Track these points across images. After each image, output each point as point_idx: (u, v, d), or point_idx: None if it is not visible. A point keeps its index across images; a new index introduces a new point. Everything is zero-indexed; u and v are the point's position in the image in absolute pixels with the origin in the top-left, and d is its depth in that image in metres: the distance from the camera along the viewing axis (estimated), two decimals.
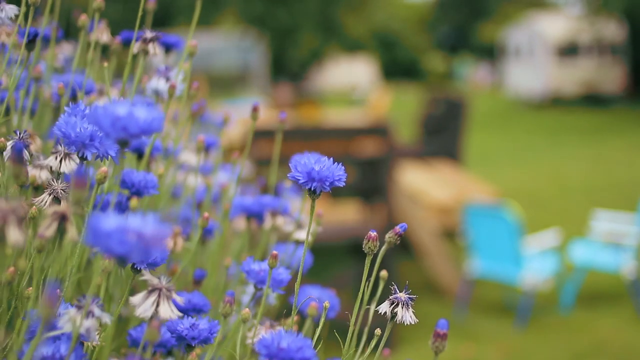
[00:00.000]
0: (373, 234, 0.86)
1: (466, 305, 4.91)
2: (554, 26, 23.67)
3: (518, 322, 4.63)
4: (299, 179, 0.84)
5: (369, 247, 0.85)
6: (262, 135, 3.86)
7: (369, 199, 4.66)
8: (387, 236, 0.88)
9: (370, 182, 4.11)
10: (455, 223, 5.27)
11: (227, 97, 31.27)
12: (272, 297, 1.00)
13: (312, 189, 0.84)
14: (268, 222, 1.10)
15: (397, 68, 50.70)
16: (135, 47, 0.98)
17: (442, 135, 6.97)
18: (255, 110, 1.06)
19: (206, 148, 1.27)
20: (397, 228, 0.89)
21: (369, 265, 0.87)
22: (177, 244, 1.03)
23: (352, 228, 4.49)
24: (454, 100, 6.71)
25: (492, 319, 4.79)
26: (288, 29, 17.20)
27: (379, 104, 9.33)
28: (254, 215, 1.15)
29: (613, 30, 22.48)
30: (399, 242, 0.88)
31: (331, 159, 0.87)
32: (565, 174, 9.84)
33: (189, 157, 1.25)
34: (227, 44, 29.42)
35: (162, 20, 39.81)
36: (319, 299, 1.06)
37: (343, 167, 0.86)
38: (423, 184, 5.55)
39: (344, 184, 0.87)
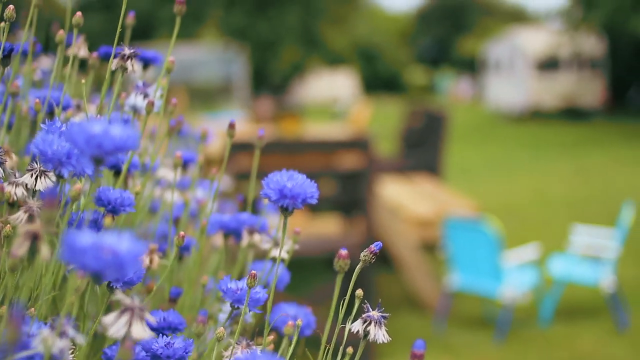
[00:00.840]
0: (344, 252, 0.86)
1: (446, 318, 4.92)
2: (535, 40, 23.89)
3: (497, 335, 4.64)
4: (271, 196, 0.84)
5: (340, 266, 0.85)
6: (241, 148, 3.86)
7: (349, 213, 4.67)
8: (362, 255, 0.88)
9: (350, 196, 4.12)
10: (435, 237, 5.28)
11: (209, 110, 31.21)
12: (248, 316, 1.00)
13: (285, 206, 0.84)
14: (245, 240, 1.10)
15: (379, 81, 50.93)
16: (113, 63, 0.97)
17: (422, 149, 6.99)
18: (231, 127, 1.06)
19: (184, 164, 1.26)
20: (373, 247, 0.89)
21: (339, 283, 0.87)
22: (153, 261, 1.03)
23: (332, 242, 4.49)
24: (434, 114, 6.75)
25: (472, 332, 4.80)
26: (269, 42, 17.23)
27: (359, 118, 9.35)
28: (232, 233, 1.14)
29: (593, 44, 22.73)
30: (374, 260, 0.88)
31: (304, 175, 0.87)
32: (545, 187, 9.91)
33: (166, 173, 1.25)
34: (209, 57, 29.40)
35: (144, 33, 39.77)
36: (294, 317, 1.06)
37: (316, 184, 0.86)
38: (403, 198, 5.57)
39: (317, 201, 0.87)
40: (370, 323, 0.85)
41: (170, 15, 37.31)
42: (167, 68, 1.07)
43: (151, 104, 1.01)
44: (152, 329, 0.97)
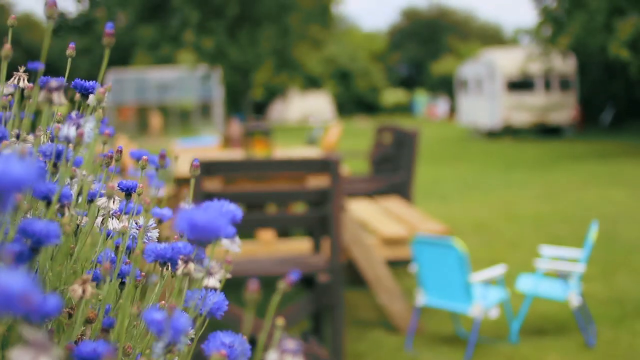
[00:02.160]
0: (253, 284, 0.86)
1: (417, 336, 4.93)
2: (507, 60, 24.23)
3: (468, 352, 4.66)
4: (182, 232, 0.84)
5: (249, 299, 0.86)
6: (206, 172, 3.86)
7: (317, 233, 4.68)
8: (279, 284, 0.89)
9: (316, 216, 4.13)
10: (404, 255, 5.30)
11: (185, 134, 31.16)
12: (181, 346, 1.00)
13: (196, 240, 0.85)
14: (180, 269, 1.10)
15: (355, 102, 51.19)
16: (40, 96, 0.98)
17: (392, 167, 7.03)
18: (161, 157, 1.07)
19: (127, 192, 1.26)
20: (290, 276, 0.90)
21: (251, 317, 0.87)
22: (86, 291, 1.03)
23: (303, 262, 4.49)
24: (403, 132, 6.80)
25: (442, 349, 4.81)
26: (243, 66, 17.29)
27: (330, 138, 9.39)
28: (168, 261, 1.14)
29: (564, 63, 23.07)
30: (290, 288, 0.89)
31: (221, 206, 0.88)
32: (516, 205, 9.99)
33: (105, 202, 1.25)
34: (185, 80, 29.45)
35: (125, 56, 39.66)
36: (230, 346, 1.06)
37: (227, 218, 0.87)
38: (371, 217, 5.59)
39: (233, 232, 0.88)
40: (286, 354, 0.84)
41: (149, 39, 37.22)
42: (98, 99, 1.08)
43: (81, 135, 1.02)
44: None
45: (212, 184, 4.51)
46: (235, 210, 0.94)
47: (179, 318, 0.89)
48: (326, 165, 4.03)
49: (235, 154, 5.85)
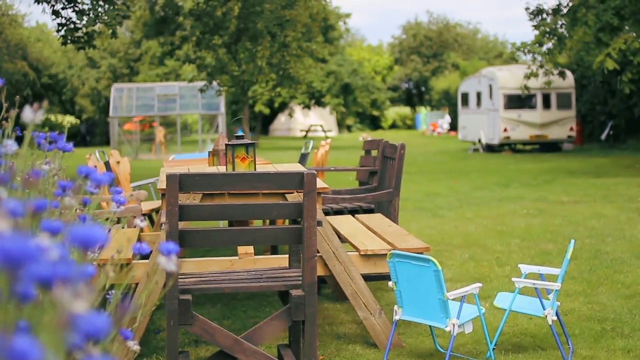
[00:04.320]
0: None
1: (395, 350, 4.95)
2: (507, 76, 24.35)
3: None
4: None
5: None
6: (180, 186, 3.90)
7: (293, 247, 4.71)
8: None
9: (291, 230, 4.16)
10: (383, 271, 5.32)
11: (189, 146, 31.14)
12: None
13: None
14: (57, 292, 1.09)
15: (359, 117, 51.30)
16: None
17: (379, 181, 7.07)
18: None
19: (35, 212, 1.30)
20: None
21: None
22: None
23: (277, 277, 4.52)
24: (389, 145, 6.84)
25: None
26: (243, 81, 17.38)
27: (321, 153, 9.44)
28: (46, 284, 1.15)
29: (563, 79, 23.16)
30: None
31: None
32: (507, 220, 10.01)
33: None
34: (191, 94, 29.59)
35: (131, 70, 39.79)
36: None
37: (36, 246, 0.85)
38: (352, 233, 5.62)
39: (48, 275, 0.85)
40: None
41: (153, 52, 37.39)
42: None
43: None
44: None
45: (186, 198, 4.55)
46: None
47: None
48: (300, 180, 4.07)
49: (213, 169, 5.90)
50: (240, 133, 5.54)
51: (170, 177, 3.90)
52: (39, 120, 1.61)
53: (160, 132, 30.71)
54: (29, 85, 34.96)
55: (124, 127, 31.85)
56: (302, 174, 4.04)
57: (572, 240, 4.99)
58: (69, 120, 45.84)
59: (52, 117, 46.62)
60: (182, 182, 3.96)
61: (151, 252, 5.19)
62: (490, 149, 25.34)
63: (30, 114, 1.53)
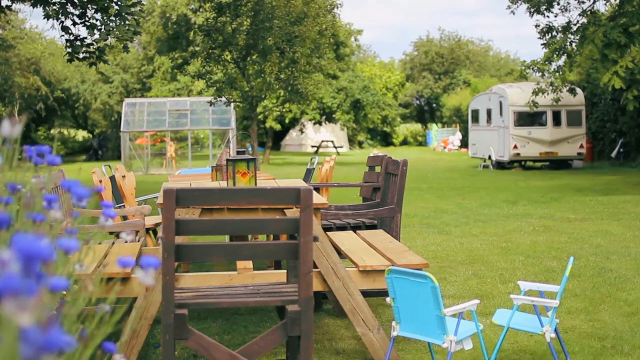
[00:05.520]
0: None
1: None
2: (517, 93, 24.36)
3: None
4: None
5: None
6: (177, 201, 3.93)
7: (290, 263, 4.72)
8: None
9: (288, 246, 4.18)
10: (382, 287, 5.32)
11: (200, 161, 31.25)
12: None
13: None
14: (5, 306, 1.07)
15: (371, 133, 51.35)
16: None
17: (381, 197, 7.08)
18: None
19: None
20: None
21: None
22: None
23: (275, 292, 4.54)
24: (392, 161, 6.85)
25: None
26: (252, 96, 17.47)
27: (326, 169, 9.46)
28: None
29: (573, 97, 23.17)
30: None
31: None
32: (513, 237, 9.98)
33: None
34: (202, 109, 29.77)
35: (143, 86, 40.09)
36: None
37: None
38: (352, 248, 5.63)
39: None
40: None
41: (164, 69, 37.59)
42: None
43: None
44: None
45: (186, 213, 4.59)
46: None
47: None
48: (296, 195, 4.09)
49: (215, 184, 5.94)
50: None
51: (167, 192, 3.93)
52: (16, 135, 1.64)
53: (171, 147, 30.88)
54: (42, 99, 35.21)
55: (136, 141, 32.04)
56: (299, 189, 4.06)
57: (571, 258, 4.99)
58: (82, 134, 46.19)
59: (65, 132, 46.98)
60: (180, 197, 3.99)
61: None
62: (500, 165, 25.30)
63: (7, 129, 1.56)
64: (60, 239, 1.75)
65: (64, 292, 1.80)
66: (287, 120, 39.07)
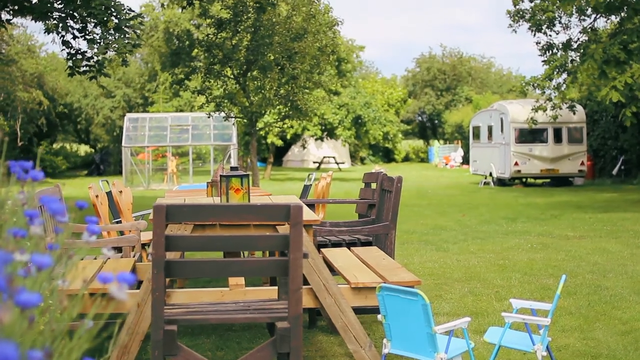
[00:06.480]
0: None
1: None
2: (519, 110, 24.41)
3: None
4: None
5: None
6: (167, 217, 3.94)
7: (281, 280, 4.72)
8: None
9: (277, 263, 4.18)
10: (374, 304, 5.32)
11: (201, 176, 31.28)
12: None
13: None
14: None
15: (372, 150, 51.40)
16: None
17: (376, 213, 7.09)
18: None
19: None
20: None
21: None
22: None
23: (265, 308, 4.54)
24: (386, 178, 6.86)
25: None
26: (252, 112, 17.51)
27: (322, 185, 9.47)
28: None
29: (574, 114, 23.22)
30: None
31: None
32: (511, 255, 9.97)
33: None
34: (203, 124, 29.83)
35: (145, 101, 40.29)
36: None
37: None
38: (345, 265, 5.63)
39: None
40: None
41: (167, 81, 37.74)
42: None
43: None
44: None
45: (178, 229, 4.59)
46: None
47: None
48: (286, 212, 4.10)
49: (209, 199, 5.94)
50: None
51: (157, 208, 3.94)
52: None
53: (172, 162, 30.92)
54: (44, 114, 35.31)
55: (138, 156, 32.09)
56: (289, 206, 4.07)
57: (563, 276, 4.98)
58: (84, 149, 46.27)
59: (67, 146, 47.08)
60: (170, 213, 4.00)
61: (141, 282, 5.23)
62: (501, 182, 25.30)
63: None
64: (34, 255, 1.76)
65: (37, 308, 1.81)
66: (288, 136, 39.11)
